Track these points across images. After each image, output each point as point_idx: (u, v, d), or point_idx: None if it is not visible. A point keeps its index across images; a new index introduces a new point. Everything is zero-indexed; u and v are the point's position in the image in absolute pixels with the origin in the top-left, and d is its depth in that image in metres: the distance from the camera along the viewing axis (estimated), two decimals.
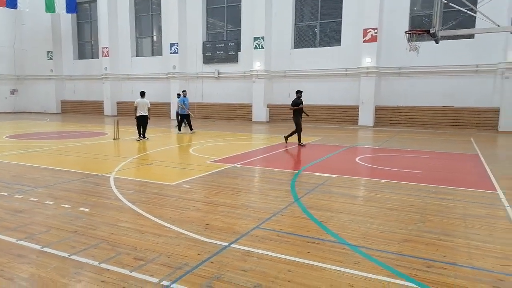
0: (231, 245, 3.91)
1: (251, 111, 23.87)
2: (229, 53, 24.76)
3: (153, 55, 28.26)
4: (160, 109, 26.60)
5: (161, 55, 27.29)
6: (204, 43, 25.63)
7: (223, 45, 25.04)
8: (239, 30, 24.46)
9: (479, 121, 18.27)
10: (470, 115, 18.44)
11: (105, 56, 28.51)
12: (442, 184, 6.92)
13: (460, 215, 5.09)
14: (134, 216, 4.84)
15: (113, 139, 13.42)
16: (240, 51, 24.43)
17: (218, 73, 25.16)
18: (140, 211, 5.03)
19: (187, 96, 17.00)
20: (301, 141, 12.26)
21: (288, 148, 11.79)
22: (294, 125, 12.27)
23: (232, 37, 25.11)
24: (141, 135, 13.26)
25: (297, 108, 12.06)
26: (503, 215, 5.13)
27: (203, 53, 25.66)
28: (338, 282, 3.18)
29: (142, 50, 29.09)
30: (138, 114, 13.14)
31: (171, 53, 25.93)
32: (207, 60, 25.54)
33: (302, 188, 6.47)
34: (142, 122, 13.23)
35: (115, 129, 13.62)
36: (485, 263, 3.61)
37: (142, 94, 13.54)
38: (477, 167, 8.78)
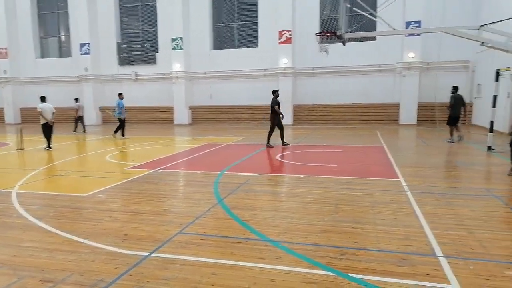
0: (152, 254, 3.77)
1: (173, 113, 23.32)
2: (147, 54, 23.90)
3: (61, 57, 26.08)
4: (72, 115, 24.58)
5: (71, 56, 25.32)
6: (118, 44, 24.36)
7: (139, 45, 24.07)
8: (156, 31, 23.73)
9: (383, 115, 20.15)
10: (376, 111, 20.25)
11: (4, 57, 25.56)
12: (353, 175, 7.48)
13: (369, 203, 5.55)
14: (41, 234, 4.40)
15: (17, 149, 12.08)
16: (158, 52, 23.72)
17: (136, 75, 24.11)
18: (49, 228, 4.59)
19: (123, 99, 15.69)
20: (269, 142, 11.91)
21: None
22: (270, 125, 11.89)
23: (149, 37, 24.26)
24: (50, 144, 12.13)
25: (277, 108, 11.71)
26: (405, 200, 5.71)
27: (118, 54, 24.37)
28: (261, 279, 3.25)
29: (48, 51, 26.65)
30: (46, 120, 12.01)
31: (81, 54, 24.19)
32: (123, 61, 24.32)
33: (225, 189, 6.48)
34: (50, 129, 12.11)
35: (19, 138, 12.27)
36: (391, 245, 3.98)
37: (44, 98, 12.33)
38: (383, 157, 9.66)
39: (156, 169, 8.36)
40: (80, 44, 24.12)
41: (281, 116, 11.81)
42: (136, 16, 24.58)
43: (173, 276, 3.30)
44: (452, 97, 12.39)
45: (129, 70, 24.21)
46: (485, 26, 8.84)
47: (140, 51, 24.04)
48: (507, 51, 9.01)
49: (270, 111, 11.85)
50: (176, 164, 9.28)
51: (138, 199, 5.95)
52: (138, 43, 24.19)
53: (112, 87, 24.70)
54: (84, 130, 18.85)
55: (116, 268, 3.47)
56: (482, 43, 8.98)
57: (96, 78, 24.42)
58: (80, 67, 24.25)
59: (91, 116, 24.41)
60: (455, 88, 12.55)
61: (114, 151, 11.62)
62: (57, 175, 8.15)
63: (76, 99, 19.58)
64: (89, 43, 23.93)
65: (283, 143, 12.06)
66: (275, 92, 12.01)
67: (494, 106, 10.47)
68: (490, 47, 9.16)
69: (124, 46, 24.32)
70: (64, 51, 26.15)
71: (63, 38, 26.33)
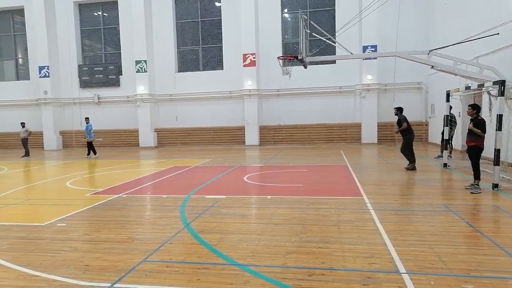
0: (114, 285, 3.62)
1: (138, 136, 22.87)
2: (110, 77, 23.47)
3: (18, 79, 25.05)
4: (30, 139, 23.45)
5: (29, 79, 24.38)
6: (80, 66, 23.80)
7: (102, 68, 23.63)
8: (119, 53, 23.45)
9: (346, 135, 20.79)
10: (339, 131, 20.87)
11: None
12: (319, 195, 7.61)
13: (334, 222, 5.65)
14: None
15: None
16: (121, 74, 23.37)
17: (98, 98, 23.55)
18: (1, 262, 4.31)
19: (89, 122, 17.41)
20: (414, 163, 10.58)
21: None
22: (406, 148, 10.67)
23: (112, 60, 23.90)
24: None
25: (403, 128, 10.49)
26: (369, 217, 5.86)
27: (79, 77, 23.77)
28: None
29: (3, 73, 25.51)
30: None
31: (41, 77, 23.37)
32: (85, 84, 23.72)
33: (191, 213, 6.39)
34: None
35: None
36: (356, 264, 4.06)
37: None
38: (347, 176, 9.92)
39: (120, 195, 8.12)
40: (39, 67, 23.35)
41: (398, 133, 10.70)
42: (99, 38, 24.22)
43: None
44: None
45: (91, 93, 23.64)
46: (434, 51, 9.47)
47: (103, 73, 23.61)
48: (455, 74, 9.67)
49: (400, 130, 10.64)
50: (141, 188, 9.05)
51: (101, 227, 5.73)
52: (100, 65, 23.77)
53: (73, 110, 23.96)
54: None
55: None
56: (432, 67, 9.59)
57: (56, 101, 23.61)
58: (39, 90, 23.41)
59: (51, 141, 23.43)
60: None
61: (75, 177, 11.17)
62: (12, 204, 7.68)
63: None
64: (48, 66, 23.22)
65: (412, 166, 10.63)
66: (397, 110, 10.91)
67: (446, 125, 11.12)
68: (440, 70, 9.78)
69: (86, 68, 23.80)
70: (21, 74, 25.18)
71: (20, 60, 25.39)
